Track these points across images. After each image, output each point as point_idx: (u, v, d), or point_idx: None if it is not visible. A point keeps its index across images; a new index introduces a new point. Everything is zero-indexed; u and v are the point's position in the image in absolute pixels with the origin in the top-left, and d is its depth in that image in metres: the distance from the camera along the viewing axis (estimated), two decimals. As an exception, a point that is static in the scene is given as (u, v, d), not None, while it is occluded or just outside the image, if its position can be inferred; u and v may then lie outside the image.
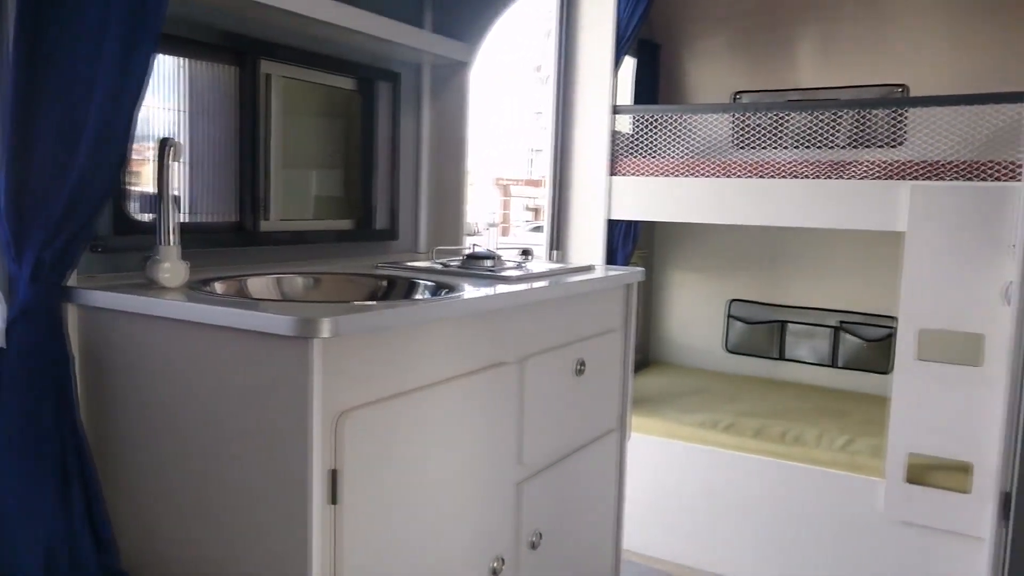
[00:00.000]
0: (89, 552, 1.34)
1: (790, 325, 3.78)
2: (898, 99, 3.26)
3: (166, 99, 1.69)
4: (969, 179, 2.56)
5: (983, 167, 2.54)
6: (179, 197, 1.72)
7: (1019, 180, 2.39)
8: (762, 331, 3.85)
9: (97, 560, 1.36)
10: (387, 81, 2.24)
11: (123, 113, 1.29)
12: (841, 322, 3.65)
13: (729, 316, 3.93)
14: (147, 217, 1.64)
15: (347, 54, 2.10)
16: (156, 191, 1.44)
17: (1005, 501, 2.17)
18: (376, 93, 2.22)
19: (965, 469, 2.55)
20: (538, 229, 3.46)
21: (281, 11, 1.70)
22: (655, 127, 3.15)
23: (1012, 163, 2.47)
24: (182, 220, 1.75)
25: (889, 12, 3.50)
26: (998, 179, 2.50)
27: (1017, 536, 2.11)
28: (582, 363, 1.90)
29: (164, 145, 1.41)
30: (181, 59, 1.71)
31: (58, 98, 1.27)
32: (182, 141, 1.73)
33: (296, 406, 1.19)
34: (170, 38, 1.65)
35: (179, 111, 1.72)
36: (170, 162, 1.41)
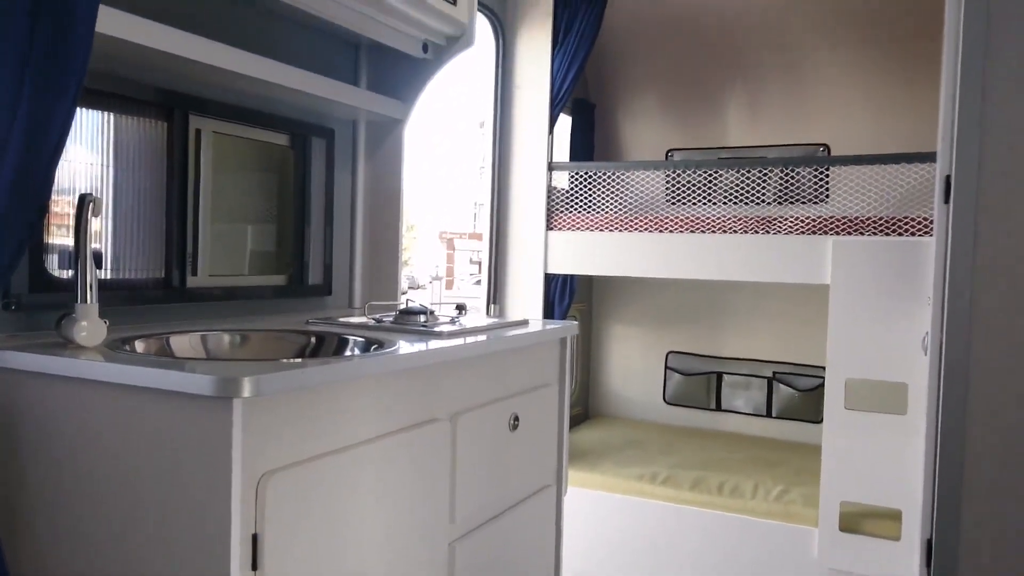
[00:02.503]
0: (-10, 630, 1.26)
1: (726, 376, 3.84)
2: (821, 158, 3.41)
3: (90, 153, 1.66)
4: (887, 234, 2.67)
5: (900, 223, 2.66)
6: (101, 253, 1.68)
7: (932, 235, 2.51)
8: (699, 382, 3.90)
9: (0, 638, 1.28)
10: (321, 137, 2.25)
11: (40, 167, 1.26)
12: (775, 373, 3.73)
13: (667, 368, 3.98)
14: (66, 274, 1.59)
15: (281, 110, 2.11)
16: (74, 248, 1.40)
17: (928, 548, 2.21)
18: (310, 149, 2.22)
19: (895, 516, 2.60)
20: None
21: (213, 68, 1.70)
22: (591, 183, 3.22)
23: (926, 219, 2.59)
24: (105, 276, 1.70)
25: (810, 76, 3.67)
26: (914, 234, 2.62)
27: (939, 583, 2.15)
28: (516, 418, 1.90)
29: (83, 201, 1.38)
30: (106, 113, 1.68)
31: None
32: (107, 196, 1.70)
33: (216, 468, 1.15)
34: (95, 93, 1.63)
35: (103, 166, 1.69)
36: (89, 218, 1.38)
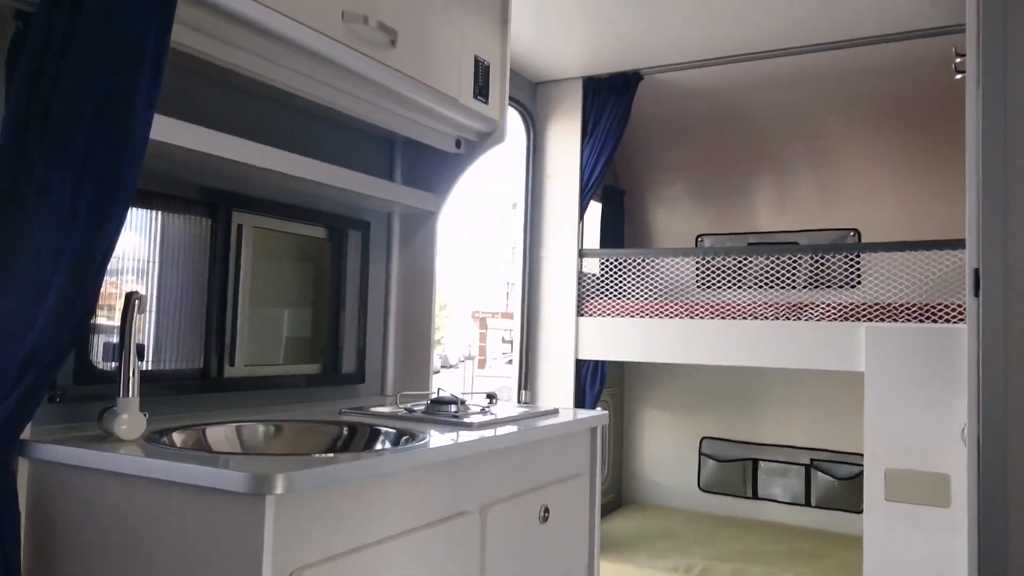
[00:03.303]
0: None
1: (762, 463, 3.77)
2: (851, 244, 3.41)
3: (137, 247, 1.74)
4: (921, 320, 2.65)
5: (934, 309, 2.64)
6: (143, 345, 1.74)
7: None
8: (734, 469, 3.83)
9: None
10: (357, 229, 2.32)
11: (92, 269, 1.32)
12: (812, 460, 3.65)
13: (701, 454, 3.91)
14: (109, 366, 1.65)
15: (319, 204, 2.19)
16: (119, 343, 1.46)
17: (979, 651, 2.11)
18: (346, 241, 2.29)
19: (943, 616, 2.49)
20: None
21: (256, 168, 1.78)
22: (621, 269, 3.25)
23: (959, 305, 2.57)
24: (147, 367, 1.75)
25: (838, 162, 3.72)
26: (948, 321, 2.59)
27: None
28: (547, 510, 1.88)
29: (129, 299, 1.44)
30: (153, 212, 1.77)
31: (27, 254, 1.30)
32: (151, 288, 1.77)
33: (248, 565, 1.16)
34: (144, 193, 1.71)
35: (149, 260, 1.76)
36: (135, 316, 1.44)
